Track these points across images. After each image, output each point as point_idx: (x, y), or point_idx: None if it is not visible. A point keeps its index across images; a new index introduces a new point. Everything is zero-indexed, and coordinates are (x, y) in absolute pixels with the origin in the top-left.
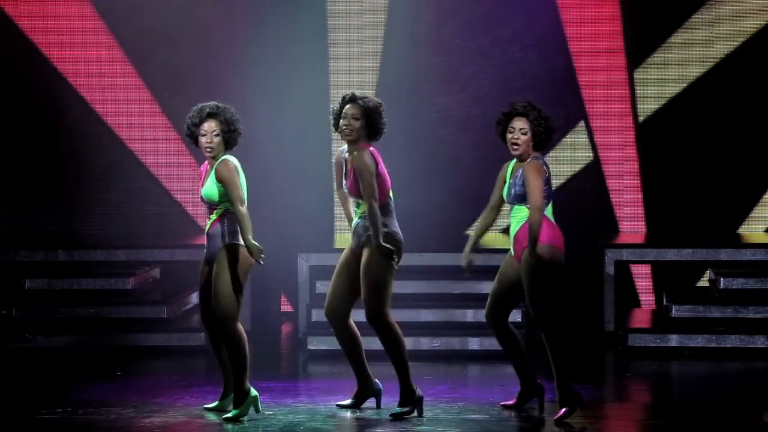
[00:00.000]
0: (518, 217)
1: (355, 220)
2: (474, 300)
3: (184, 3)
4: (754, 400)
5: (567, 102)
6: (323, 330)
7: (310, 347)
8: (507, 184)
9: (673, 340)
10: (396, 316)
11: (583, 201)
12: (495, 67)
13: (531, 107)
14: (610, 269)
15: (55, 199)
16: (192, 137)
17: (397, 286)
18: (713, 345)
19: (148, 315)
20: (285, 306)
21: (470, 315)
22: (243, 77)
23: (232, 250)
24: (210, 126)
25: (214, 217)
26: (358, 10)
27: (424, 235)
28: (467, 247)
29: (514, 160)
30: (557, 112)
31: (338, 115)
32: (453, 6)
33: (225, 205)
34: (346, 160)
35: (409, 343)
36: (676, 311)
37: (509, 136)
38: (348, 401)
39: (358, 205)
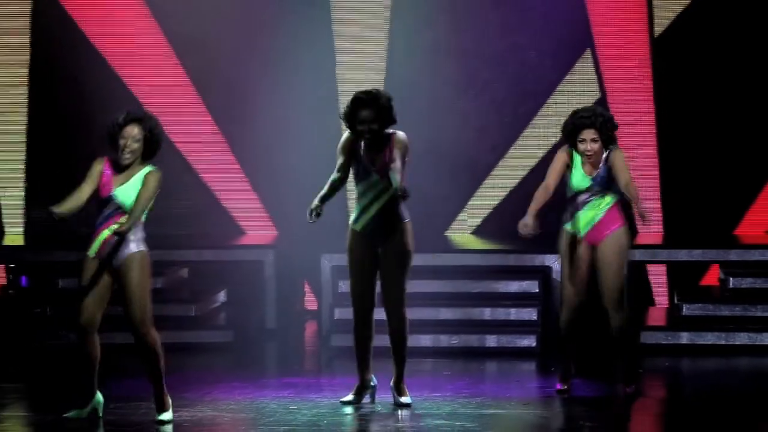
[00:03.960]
0: (601, 205)
1: (367, 217)
2: (491, 299)
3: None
4: (763, 395)
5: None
6: (346, 327)
7: (333, 344)
8: (577, 172)
9: (684, 338)
10: (415, 314)
11: None
12: (512, 73)
13: (594, 115)
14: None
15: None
16: (112, 139)
17: (417, 286)
18: (723, 342)
19: (176, 313)
20: (309, 305)
21: (488, 313)
22: (272, 82)
23: (144, 257)
24: (132, 131)
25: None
26: (369, 15)
27: (443, 236)
28: (529, 218)
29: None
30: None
31: (352, 118)
32: (469, 12)
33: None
34: (358, 145)
35: (428, 340)
36: (686, 310)
37: (582, 146)
38: (350, 397)
39: (380, 194)
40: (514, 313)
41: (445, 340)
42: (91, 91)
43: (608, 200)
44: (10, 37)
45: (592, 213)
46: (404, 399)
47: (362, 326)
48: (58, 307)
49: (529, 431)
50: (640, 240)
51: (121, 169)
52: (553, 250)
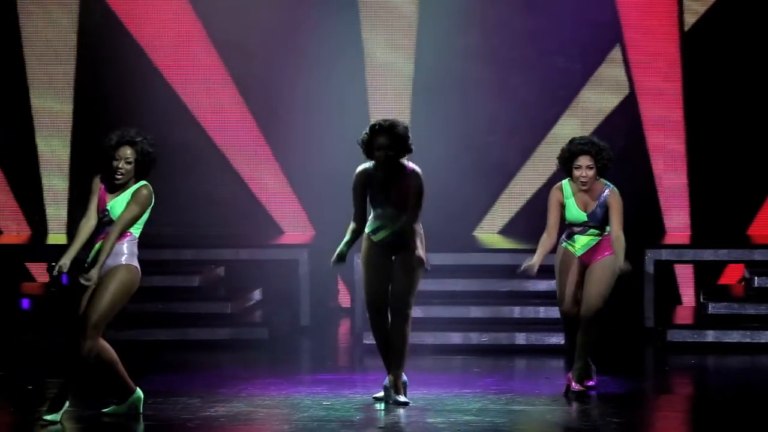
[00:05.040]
0: (593, 234)
1: (384, 233)
2: (521, 297)
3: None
4: None
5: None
6: None
7: (366, 341)
8: (571, 205)
9: (710, 336)
10: (446, 312)
11: (627, 201)
12: (541, 77)
13: (591, 143)
14: (650, 268)
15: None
16: (105, 159)
17: (448, 284)
18: (748, 340)
19: (213, 310)
20: (342, 303)
21: (517, 311)
22: (308, 85)
23: (130, 272)
24: (125, 152)
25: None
26: (397, 21)
27: (471, 235)
28: (536, 261)
29: (569, 185)
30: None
31: (369, 145)
32: (500, 19)
33: (131, 228)
34: (371, 176)
35: (458, 338)
36: (712, 308)
37: (577, 173)
38: (382, 393)
39: (392, 219)
40: (542, 311)
41: (475, 338)
42: (137, 93)
43: (600, 232)
44: (57, 35)
45: (586, 240)
46: (402, 398)
47: (380, 328)
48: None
49: (557, 428)
50: (667, 240)
51: (114, 187)
52: None
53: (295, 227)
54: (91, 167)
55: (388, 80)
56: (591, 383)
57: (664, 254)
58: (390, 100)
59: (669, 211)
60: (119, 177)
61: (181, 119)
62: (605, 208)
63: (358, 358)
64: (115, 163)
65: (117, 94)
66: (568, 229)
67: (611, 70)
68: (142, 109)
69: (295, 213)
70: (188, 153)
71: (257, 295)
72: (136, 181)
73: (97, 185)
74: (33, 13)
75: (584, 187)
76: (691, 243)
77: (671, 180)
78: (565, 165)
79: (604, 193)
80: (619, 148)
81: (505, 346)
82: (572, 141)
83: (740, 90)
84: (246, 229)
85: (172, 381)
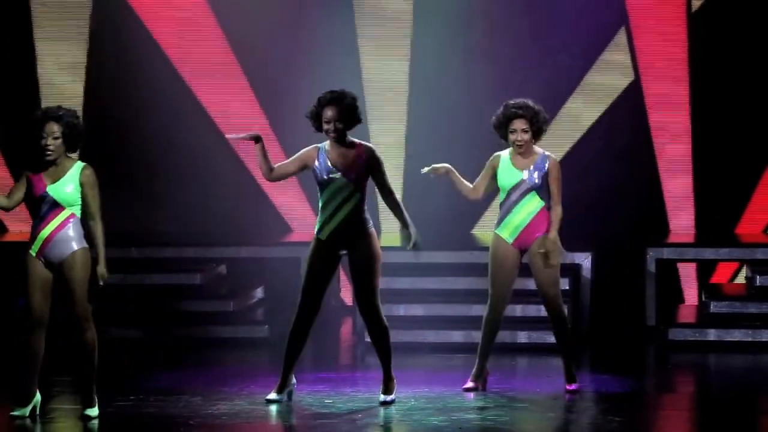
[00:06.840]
0: (529, 209)
1: (332, 225)
2: (523, 296)
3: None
4: None
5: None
6: None
7: (367, 339)
8: (507, 167)
9: (712, 334)
10: (448, 311)
11: (630, 200)
12: (543, 75)
13: (526, 107)
14: (651, 267)
15: (131, 200)
16: (34, 137)
17: (449, 282)
18: (749, 339)
19: (215, 308)
20: (342, 301)
21: (518, 310)
22: (311, 84)
23: (85, 254)
24: (51, 128)
25: (60, 219)
26: (393, 23)
27: (470, 234)
28: (451, 175)
29: (508, 153)
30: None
31: (317, 117)
32: (502, 18)
33: (73, 209)
34: (318, 157)
35: (461, 336)
36: (714, 307)
37: (512, 137)
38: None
39: (345, 200)
40: (544, 310)
41: (477, 336)
42: (148, 89)
43: (536, 204)
44: (69, 28)
45: (520, 218)
46: (382, 397)
47: (300, 333)
48: (100, 303)
49: (558, 426)
50: (672, 239)
51: (46, 165)
52: (583, 248)
53: (303, 225)
54: (99, 160)
55: (386, 79)
56: (572, 387)
57: (666, 253)
58: (390, 98)
59: (673, 210)
60: (50, 153)
61: (192, 115)
62: (544, 175)
63: (359, 356)
64: (42, 141)
65: (127, 89)
66: (501, 209)
67: (615, 66)
68: (153, 104)
69: (304, 211)
70: (198, 148)
71: (259, 293)
72: (68, 157)
73: (24, 179)
74: (46, 2)
75: (520, 150)
76: (692, 242)
77: (676, 178)
78: (500, 130)
79: (545, 162)
80: (621, 146)
81: (506, 344)
82: (506, 105)
83: (747, 87)
84: (255, 227)
85: (174, 379)
